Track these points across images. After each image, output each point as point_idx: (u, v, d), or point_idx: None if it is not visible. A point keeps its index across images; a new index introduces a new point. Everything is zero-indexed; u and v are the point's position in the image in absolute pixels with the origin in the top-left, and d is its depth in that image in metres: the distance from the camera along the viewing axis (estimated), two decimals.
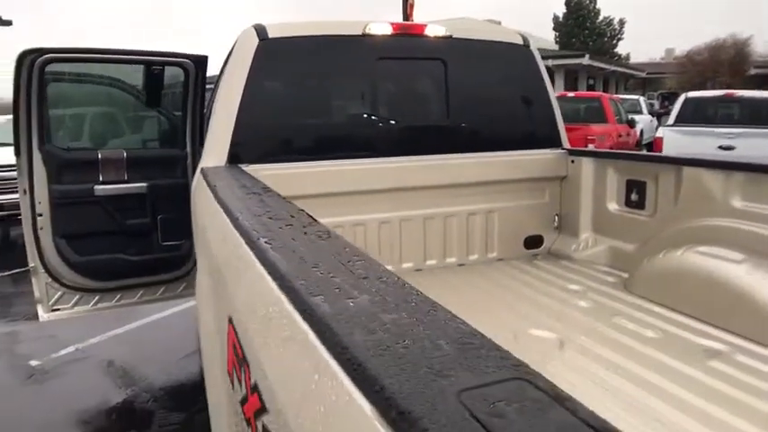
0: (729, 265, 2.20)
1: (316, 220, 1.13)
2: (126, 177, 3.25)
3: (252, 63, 2.51)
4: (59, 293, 3.29)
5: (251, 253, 0.93)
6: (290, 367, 0.65)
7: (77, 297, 3.35)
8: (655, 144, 9.62)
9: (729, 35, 42.32)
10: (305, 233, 1.03)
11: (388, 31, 2.78)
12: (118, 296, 3.45)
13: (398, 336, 0.56)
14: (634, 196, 2.89)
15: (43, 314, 3.30)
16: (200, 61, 3.25)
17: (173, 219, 3.35)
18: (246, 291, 0.90)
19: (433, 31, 2.87)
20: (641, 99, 19.57)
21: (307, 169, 2.64)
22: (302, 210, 1.22)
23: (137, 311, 4.84)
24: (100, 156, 3.19)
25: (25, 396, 3.69)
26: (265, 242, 0.93)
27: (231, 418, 0.91)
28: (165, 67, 3.26)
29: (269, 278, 0.80)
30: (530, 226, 3.20)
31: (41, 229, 3.15)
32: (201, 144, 3.40)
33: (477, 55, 3.04)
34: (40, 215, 3.13)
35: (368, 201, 2.79)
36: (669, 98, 21.05)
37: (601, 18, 44.75)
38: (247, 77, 2.51)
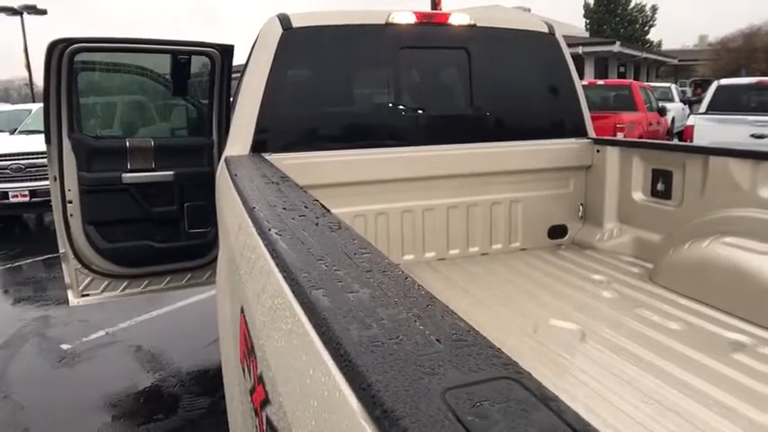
0: (756, 257, 2.14)
1: (329, 211, 1.13)
2: (153, 165, 3.29)
3: (276, 52, 2.52)
4: (89, 279, 3.37)
5: (261, 243, 0.93)
6: (290, 360, 0.65)
7: (106, 283, 3.42)
8: (684, 132, 9.39)
9: (765, 22, 40.92)
10: (316, 224, 1.03)
11: (412, 20, 2.75)
12: (145, 282, 3.52)
13: (393, 331, 0.56)
14: (660, 186, 2.82)
15: (73, 299, 3.39)
16: (227, 50, 3.27)
17: (199, 207, 3.39)
18: (256, 281, 0.90)
19: (456, 19, 2.83)
20: (673, 87, 19.07)
21: (330, 158, 2.64)
22: (317, 200, 1.21)
23: (164, 298, 4.94)
24: (128, 144, 3.24)
25: (56, 379, 3.80)
26: (276, 233, 0.93)
27: (243, 406, 0.92)
28: (192, 57, 3.28)
29: (276, 269, 0.80)
30: (554, 215, 3.16)
31: (71, 215, 3.21)
32: (227, 132, 3.43)
33: (502, 44, 2.99)
34: (70, 202, 3.19)
35: (391, 190, 2.78)
36: (702, 85, 20.45)
37: (632, 5, 43.63)
38: (271, 67, 2.51)
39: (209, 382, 3.77)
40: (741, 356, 1.87)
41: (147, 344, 4.26)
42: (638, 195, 2.96)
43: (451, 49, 2.92)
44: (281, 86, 2.58)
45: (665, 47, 47.48)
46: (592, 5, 43.62)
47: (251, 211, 1.12)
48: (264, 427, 0.68)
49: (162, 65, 3.51)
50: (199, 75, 3.51)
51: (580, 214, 3.22)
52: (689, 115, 11.90)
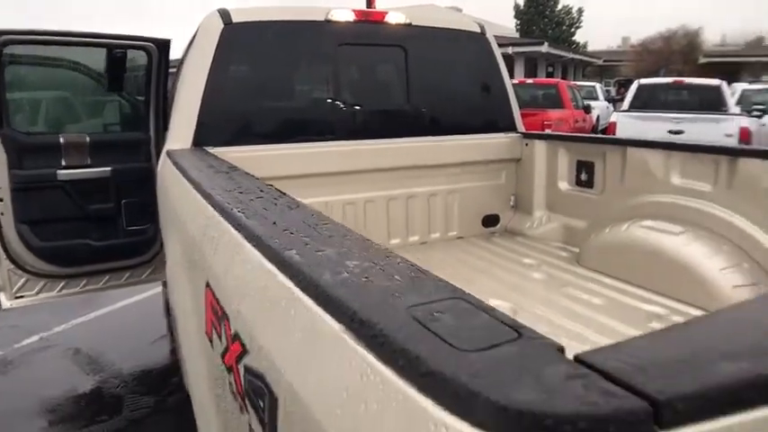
0: (669, 237, 2.38)
1: (284, 194, 1.22)
2: (89, 162, 3.24)
3: (216, 47, 2.55)
4: (23, 280, 3.28)
5: (226, 222, 1.01)
6: (268, 311, 0.74)
7: (42, 284, 3.33)
8: (608, 129, 9.95)
9: (681, 26, 43.77)
10: (275, 204, 1.12)
11: (350, 17, 2.85)
12: (83, 282, 3.45)
13: (360, 274, 0.66)
14: (583, 176, 3.05)
15: (6, 302, 3.29)
16: (164, 44, 3.26)
17: (137, 203, 3.36)
18: (223, 255, 0.98)
19: (393, 18, 2.95)
20: (598, 86, 20.06)
21: (270, 152, 2.70)
22: (270, 185, 1.29)
23: (101, 299, 4.82)
24: (62, 140, 3.17)
25: None
26: (239, 211, 1.01)
27: (212, 374, 1.00)
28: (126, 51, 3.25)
29: (245, 241, 0.88)
30: (487, 205, 3.34)
31: (2, 214, 3.12)
32: (165, 128, 3.41)
33: (436, 42, 3.14)
34: (0, 200, 3.10)
35: (332, 183, 2.87)
36: (625, 85, 21.62)
37: (560, 7, 45.42)
38: (212, 62, 2.55)
39: (153, 380, 3.74)
40: (657, 324, 2.09)
41: (85, 346, 4.16)
42: (563, 185, 3.19)
43: (388, 46, 3.04)
44: (221, 81, 2.62)
45: (590, 48, 49.73)
46: (522, 7, 45.10)
47: (208, 196, 1.20)
48: (241, 379, 0.77)
49: (95, 59, 3.45)
50: (134, 69, 3.48)
51: (512, 204, 3.42)
52: (612, 113, 12.58)
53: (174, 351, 3.05)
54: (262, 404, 0.68)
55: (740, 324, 0.56)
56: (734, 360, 0.43)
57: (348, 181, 2.90)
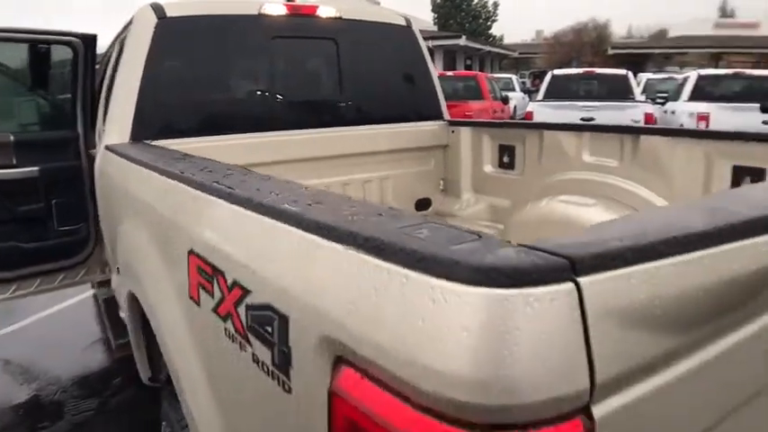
0: (583, 209, 2.69)
1: (251, 171, 1.36)
2: (15, 162, 3.19)
3: (151, 42, 2.61)
4: None
5: (205, 193, 1.15)
6: (268, 251, 0.89)
7: None
8: (525, 118, 10.52)
9: (591, 18, 46.34)
10: (246, 177, 1.26)
11: (283, 11, 2.98)
12: (13, 287, 3.37)
13: (350, 215, 0.83)
14: (506, 158, 3.34)
15: None
16: (90, 40, 3.24)
17: (68, 203, 3.34)
18: (208, 221, 1.12)
19: (323, 12, 3.11)
20: (514, 78, 20.98)
21: (206, 144, 2.76)
22: (234, 165, 1.43)
23: (24, 309, 4.69)
24: None
25: None
26: (216, 183, 1.15)
27: (203, 332, 1.13)
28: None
29: (234, 206, 1.03)
30: (419, 190, 3.57)
31: None
32: (93, 125, 3.41)
33: (365, 35, 3.32)
34: None
35: (271, 172, 2.98)
36: (540, 76, 22.70)
37: (476, 1, 46.81)
38: (147, 57, 2.60)
39: (93, 384, 3.72)
40: None
41: (15, 357, 4.06)
42: (488, 168, 3.47)
43: (320, 39, 3.19)
44: (157, 76, 2.68)
45: (506, 41, 51.64)
46: (439, 0, 46.13)
47: (179, 176, 1.32)
48: (242, 318, 0.91)
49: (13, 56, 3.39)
50: (57, 66, 3.44)
51: (441, 188, 3.67)
52: (529, 103, 13.26)
53: (114, 351, 3.06)
54: (269, 329, 0.83)
55: (648, 220, 0.77)
56: (629, 238, 0.64)
57: (287, 170, 3.03)
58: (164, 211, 1.39)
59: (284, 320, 0.78)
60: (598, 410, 0.58)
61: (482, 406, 0.53)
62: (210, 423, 1.17)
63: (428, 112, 3.60)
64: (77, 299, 5.13)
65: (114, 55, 3.30)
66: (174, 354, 1.30)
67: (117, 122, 2.63)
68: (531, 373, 0.53)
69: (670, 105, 11.03)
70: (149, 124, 2.63)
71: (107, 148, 2.49)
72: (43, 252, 3.34)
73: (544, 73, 15.85)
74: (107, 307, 3.56)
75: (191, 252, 1.13)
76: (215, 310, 1.02)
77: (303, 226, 0.81)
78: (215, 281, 1.01)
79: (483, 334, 0.54)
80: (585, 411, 0.57)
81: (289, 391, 0.80)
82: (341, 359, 0.69)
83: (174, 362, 1.29)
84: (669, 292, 0.61)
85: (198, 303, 1.12)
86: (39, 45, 3.15)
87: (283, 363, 0.80)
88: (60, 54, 3.28)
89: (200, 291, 1.09)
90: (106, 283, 3.86)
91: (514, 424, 0.54)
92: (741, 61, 33.98)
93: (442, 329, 0.56)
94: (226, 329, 0.98)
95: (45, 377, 3.78)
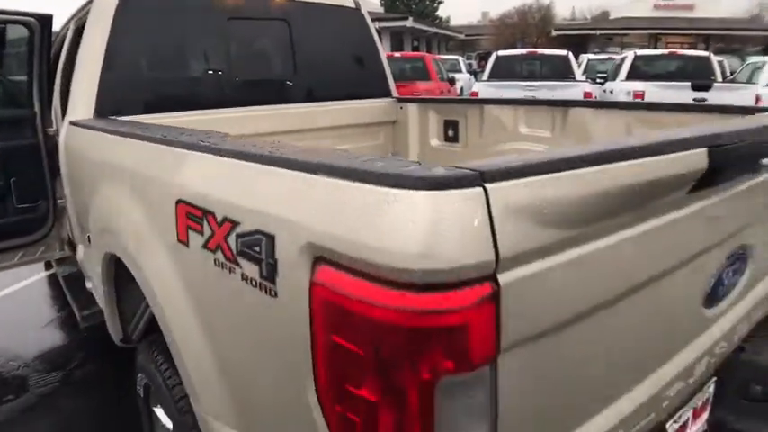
0: None
1: (227, 134, 1.56)
2: None
3: (113, 21, 2.72)
4: None
5: (194, 152, 1.35)
6: (254, 189, 1.11)
7: None
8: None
9: (534, 0, 47.31)
10: (224, 138, 1.46)
11: None
12: None
13: (319, 157, 1.05)
14: (450, 132, 3.61)
15: None
16: (46, 19, 3.31)
17: (26, 180, 3.41)
18: (200, 173, 1.32)
19: None
20: (461, 59, 21.37)
21: (165, 120, 2.89)
22: (211, 129, 1.62)
23: None
24: None
25: None
26: (201, 141, 1.35)
27: (188, 268, 1.33)
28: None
29: (223, 158, 1.24)
30: None
31: None
32: (50, 103, 3.48)
33: (316, 17, 3.51)
34: None
35: None
36: (485, 58, 23.18)
37: None
38: (109, 35, 2.72)
39: (55, 359, 3.81)
40: None
41: None
42: (434, 142, 3.74)
43: (274, 20, 3.36)
44: (118, 54, 2.79)
45: (452, 23, 52.12)
46: None
47: (162, 139, 1.50)
48: (232, 246, 1.12)
49: None
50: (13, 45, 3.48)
51: None
52: (474, 83, 13.63)
53: (80, 322, 3.16)
54: (258, 249, 1.04)
55: (544, 154, 1.02)
56: (523, 161, 0.89)
57: None
58: (148, 172, 1.58)
59: (271, 239, 1.00)
60: (503, 278, 0.83)
61: (422, 270, 0.77)
62: (200, 355, 1.38)
63: (378, 90, 3.83)
64: (28, 281, 5.16)
65: (70, 34, 3.38)
66: (161, 296, 1.50)
67: (80, 99, 2.74)
68: (453, 247, 0.77)
69: (609, 85, 11.59)
70: (111, 101, 2.76)
71: (73, 123, 2.61)
72: (3, 229, 3.41)
73: (490, 54, 16.24)
74: (68, 283, 3.66)
75: (179, 202, 1.33)
76: (204, 245, 1.23)
77: (285, 165, 1.03)
78: (204, 221, 1.22)
79: (422, 222, 0.78)
80: (493, 278, 0.82)
81: (275, 295, 1.02)
82: (319, 258, 0.91)
83: (162, 303, 1.49)
84: (553, 197, 0.87)
85: (187, 244, 1.32)
86: None
87: (270, 273, 1.02)
88: (15, 33, 3.34)
89: (189, 233, 1.29)
90: (64, 261, 3.95)
91: (444, 283, 0.78)
92: (678, 42, 35.46)
93: (395, 222, 0.79)
94: (215, 260, 1.19)
95: (5, 355, 3.85)
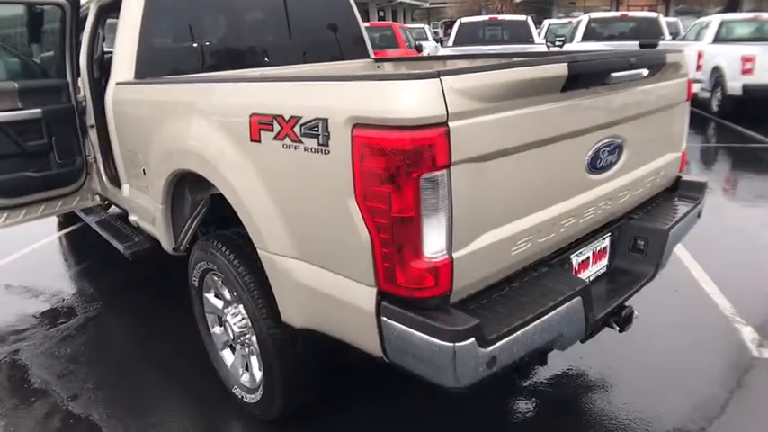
0: None
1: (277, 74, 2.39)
2: (20, 106, 3.97)
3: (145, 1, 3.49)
4: None
5: (261, 82, 2.18)
6: (308, 95, 1.95)
7: None
8: None
9: None
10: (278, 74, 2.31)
11: None
12: (23, 212, 4.18)
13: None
14: None
15: None
16: (75, 2, 4.04)
17: (64, 139, 4.16)
18: (269, 93, 2.16)
19: None
20: (426, 27, 22.15)
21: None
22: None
23: (10, 247, 5.43)
24: None
25: None
26: (265, 75, 2.18)
27: (260, 157, 2.19)
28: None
29: (285, 82, 2.08)
30: None
31: None
32: (78, 74, 4.21)
33: None
34: None
35: None
36: (451, 26, 23.99)
37: None
38: (143, 11, 3.48)
39: (94, 292, 4.60)
40: None
41: (13, 282, 4.82)
42: None
43: None
44: (153, 23, 3.54)
45: None
46: None
47: (237, 78, 2.32)
48: (297, 132, 1.95)
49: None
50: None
51: None
52: (440, 50, 14.44)
53: (124, 254, 3.89)
54: (317, 129, 1.86)
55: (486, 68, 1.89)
56: (468, 66, 1.73)
57: None
58: (218, 102, 2.41)
59: (325, 121, 1.82)
60: (451, 125, 1.65)
61: (412, 119, 1.61)
62: (267, 214, 2.17)
63: (357, 52, 4.66)
64: (52, 237, 5.89)
65: (92, 15, 4.10)
66: (236, 182, 2.31)
67: (122, 64, 3.50)
68: (426, 108, 1.61)
69: (567, 47, 12.54)
70: (149, 66, 3.52)
71: (118, 84, 3.40)
72: (48, 181, 4.16)
73: (455, 22, 17.02)
74: (102, 227, 4.42)
75: (252, 115, 2.15)
76: (275, 138, 2.05)
77: (332, 79, 1.88)
78: (274, 123, 2.04)
79: (411, 96, 1.62)
80: (446, 124, 1.66)
81: (328, 153, 1.85)
82: (356, 125, 1.74)
83: (237, 188, 2.30)
84: (474, 85, 1.71)
85: (259, 141, 2.14)
86: (34, 6, 3.92)
87: (325, 141, 1.82)
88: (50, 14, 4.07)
89: (261, 133, 2.12)
90: (91, 211, 4.71)
91: (422, 126, 1.61)
92: (640, 5, 36.51)
93: (399, 98, 1.63)
94: (283, 144, 2.01)
95: (48, 292, 4.61)
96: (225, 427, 2.94)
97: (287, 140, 2.02)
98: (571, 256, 2.46)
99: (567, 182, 2.26)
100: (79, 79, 4.24)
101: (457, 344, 1.69)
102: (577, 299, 2.06)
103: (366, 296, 1.87)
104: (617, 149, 2.50)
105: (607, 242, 2.70)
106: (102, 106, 3.68)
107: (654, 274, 2.71)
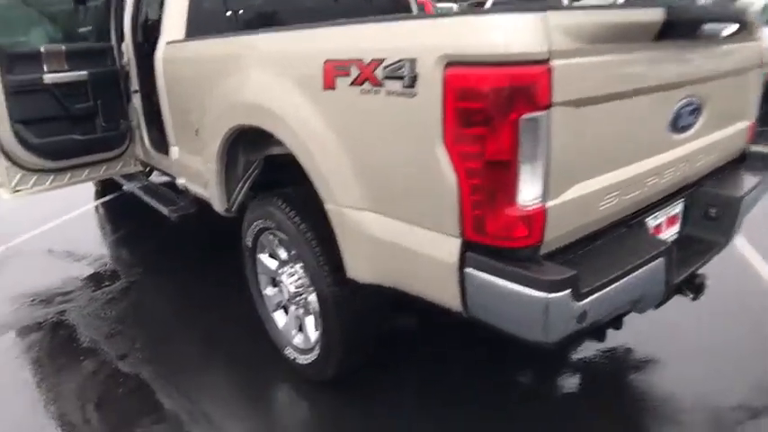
0: None
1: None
2: (67, 68, 3.94)
3: None
4: (19, 176, 3.93)
5: (334, 26, 2.12)
6: (387, 35, 1.88)
7: (35, 178, 3.99)
8: None
9: None
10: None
11: None
12: (68, 175, 4.17)
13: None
14: None
15: (5, 195, 3.95)
16: None
17: (111, 102, 4.13)
18: (343, 38, 2.09)
19: None
20: (455, 6, 21.88)
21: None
22: None
23: (49, 214, 5.45)
24: (43, 50, 3.84)
25: None
26: (340, 22, 2.12)
27: (334, 106, 2.14)
28: None
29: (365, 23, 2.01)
30: None
31: None
32: (122, 38, 4.17)
33: None
34: None
35: None
36: (482, 4, 23.74)
37: None
38: None
39: (134, 258, 4.60)
40: None
41: (55, 247, 4.84)
42: None
43: None
44: None
45: None
46: None
47: (308, 26, 2.26)
48: (379, 75, 1.88)
49: None
50: None
51: None
52: None
53: (169, 217, 3.85)
54: (402, 70, 1.77)
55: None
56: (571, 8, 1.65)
57: None
58: (286, 51, 2.34)
59: (413, 61, 1.75)
60: (554, 63, 1.57)
61: (515, 55, 1.53)
62: (339, 165, 2.10)
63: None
64: (89, 206, 5.91)
65: None
66: (306, 135, 2.24)
67: (173, 26, 3.44)
68: (531, 44, 1.53)
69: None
70: (197, 26, 3.47)
71: (168, 43, 3.35)
72: (93, 144, 4.14)
73: (482, 4, 16.79)
74: (146, 192, 4.38)
75: (326, 61, 2.08)
76: (352, 83, 1.97)
77: (425, 17, 1.79)
78: (352, 67, 1.96)
79: (515, 32, 1.54)
80: (549, 62, 1.58)
81: (414, 96, 1.77)
82: (449, 63, 1.65)
83: (306, 141, 2.23)
84: (575, 23, 1.63)
85: (333, 88, 2.07)
86: None
87: (411, 82, 1.74)
88: None
89: (336, 79, 2.04)
90: (132, 178, 4.67)
91: (525, 62, 1.54)
92: None
93: (501, 33, 1.54)
94: (362, 90, 1.94)
95: (90, 257, 4.62)
96: (275, 386, 2.91)
97: (366, 85, 1.94)
98: (646, 220, 2.37)
99: (651, 139, 2.17)
100: (123, 44, 4.19)
101: (551, 295, 1.61)
102: (660, 260, 1.97)
103: (449, 247, 1.80)
104: (696, 110, 2.40)
105: (680, 208, 2.60)
106: (148, 70, 3.64)
107: (726, 243, 2.62)
